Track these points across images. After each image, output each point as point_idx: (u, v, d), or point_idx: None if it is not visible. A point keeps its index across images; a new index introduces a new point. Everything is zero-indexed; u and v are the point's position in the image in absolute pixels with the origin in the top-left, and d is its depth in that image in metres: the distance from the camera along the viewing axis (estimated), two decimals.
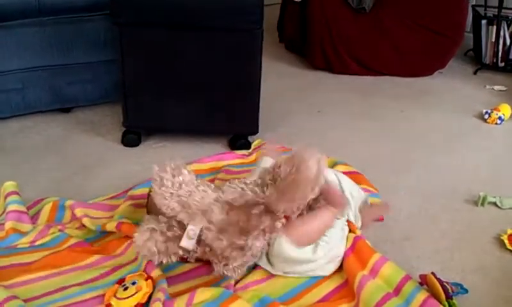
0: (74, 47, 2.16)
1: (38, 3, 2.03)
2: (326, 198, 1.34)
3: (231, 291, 1.25)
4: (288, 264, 1.31)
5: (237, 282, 1.30)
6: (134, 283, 1.22)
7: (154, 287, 1.23)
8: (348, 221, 1.43)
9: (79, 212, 1.52)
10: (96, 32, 2.17)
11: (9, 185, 1.59)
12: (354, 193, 1.48)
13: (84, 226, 1.49)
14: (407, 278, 1.28)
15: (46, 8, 2.05)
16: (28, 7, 2.02)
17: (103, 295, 1.22)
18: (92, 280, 1.29)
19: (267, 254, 1.33)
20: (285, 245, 1.27)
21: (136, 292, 1.19)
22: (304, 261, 1.31)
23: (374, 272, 1.30)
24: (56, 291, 1.24)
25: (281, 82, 2.80)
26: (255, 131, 2.03)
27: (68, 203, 1.55)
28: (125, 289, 1.21)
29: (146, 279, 1.24)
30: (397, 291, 1.26)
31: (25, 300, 1.20)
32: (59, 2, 2.07)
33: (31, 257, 1.35)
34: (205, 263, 1.36)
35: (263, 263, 1.34)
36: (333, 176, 1.48)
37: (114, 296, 1.20)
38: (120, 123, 2.04)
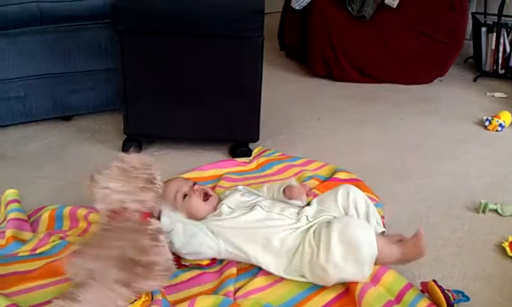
0: (75, 55, 2.17)
1: (40, 11, 2.04)
2: (410, 244, 1.33)
3: (231, 299, 1.24)
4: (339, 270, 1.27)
5: (237, 290, 1.30)
6: None
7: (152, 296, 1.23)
8: None
9: (82, 211, 1.52)
10: (97, 40, 2.18)
11: (10, 193, 1.59)
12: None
13: (86, 231, 1.49)
14: (409, 286, 1.28)
15: (47, 17, 2.06)
16: (29, 15, 2.02)
17: None
18: None
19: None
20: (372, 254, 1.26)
21: (135, 300, 1.19)
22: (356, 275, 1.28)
23: (375, 279, 1.29)
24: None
25: (281, 89, 2.81)
26: (255, 138, 2.03)
27: (67, 210, 1.55)
28: None
29: None
30: (399, 299, 1.26)
31: None
32: (60, 11, 2.08)
33: (31, 265, 1.35)
34: (206, 272, 1.36)
35: (265, 265, 1.35)
36: (367, 199, 1.48)
37: None
38: (121, 131, 2.04)
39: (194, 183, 1.51)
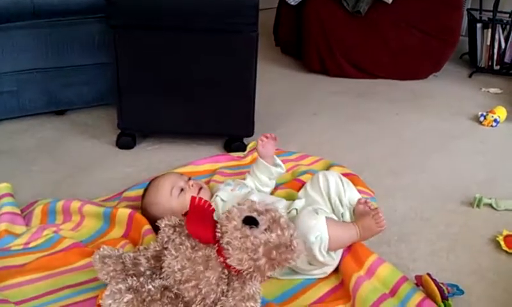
0: (69, 50, 2.15)
1: (33, 5, 2.02)
2: (364, 220, 1.33)
3: None
4: (306, 265, 1.29)
5: None
6: None
7: None
8: None
9: (76, 203, 1.52)
10: (91, 34, 2.16)
11: (3, 187, 1.58)
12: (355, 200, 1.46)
13: (79, 225, 1.49)
14: (403, 279, 1.27)
15: (41, 11, 2.04)
16: (23, 9, 2.00)
17: (95, 297, 1.21)
18: (85, 282, 1.27)
19: None
20: (323, 245, 1.25)
21: None
22: (324, 264, 1.29)
23: (370, 272, 1.29)
24: (49, 293, 1.23)
25: (277, 84, 2.80)
26: (250, 133, 2.02)
27: (60, 204, 1.54)
28: None
29: None
30: (393, 292, 1.25)
31: (17, 303, 1.18)
32: (54, 5, 2.06)
33: (24, 259, 1.33)
34: None
35: None
36: (337, 179, 1.47)
37: None
38: (115, 125, 2.03)
39: (189, 179, 1.51)
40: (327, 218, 1.29)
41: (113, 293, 1.07)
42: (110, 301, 1.05)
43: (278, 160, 1.60)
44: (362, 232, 1.33)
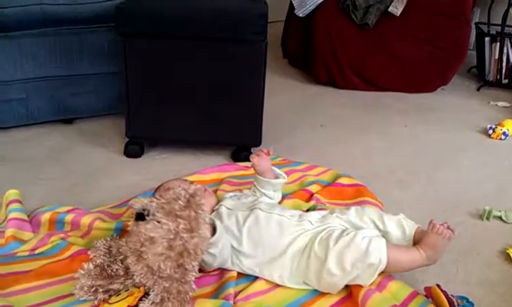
0: (78, 58, 2.16)
1: (43, 14, 2.04)
2: (424, 238, 1.32)
3: (231, 302, 1.23)
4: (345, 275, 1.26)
5: (237, 293, 1.28)
6: (127, 290, 1.22)
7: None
8: None
9: (87, 218, 1.51)
10: (100, 43, 2.18)
11: (12, 194, 1.58)
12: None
13: (87, 233, 1.48)
14: (414, 294, 1.27)
15: (51, 19, 2.06)
16: (33, 17, 2.02)
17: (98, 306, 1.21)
18: None
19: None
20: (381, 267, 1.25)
21: (127, 296, 1.19)
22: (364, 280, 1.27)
23: (381, 287, 1.27)
24: (54, 300, 1.23)
25: (284, 96, 2.80)
26: (257, 143, 2.02)
27: (69, 217, 1.53)
28: (118, 295, 1.21)
29: (139, 287, 1.22)
30: (405, 305, 1.24)
31: None
32: (64, 13, 2.08)
33: (30, 265, 1.33)
34: (205, 274, 1.34)
35: (268, 275, 1.33)
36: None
37: (107, 302, 1.20)
38: (123, 134, 2.03)
39: (192, 182, 1.50)
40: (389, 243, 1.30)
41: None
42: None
43: (278, 171, 1.60)
44: (428, 250, 1.30)
